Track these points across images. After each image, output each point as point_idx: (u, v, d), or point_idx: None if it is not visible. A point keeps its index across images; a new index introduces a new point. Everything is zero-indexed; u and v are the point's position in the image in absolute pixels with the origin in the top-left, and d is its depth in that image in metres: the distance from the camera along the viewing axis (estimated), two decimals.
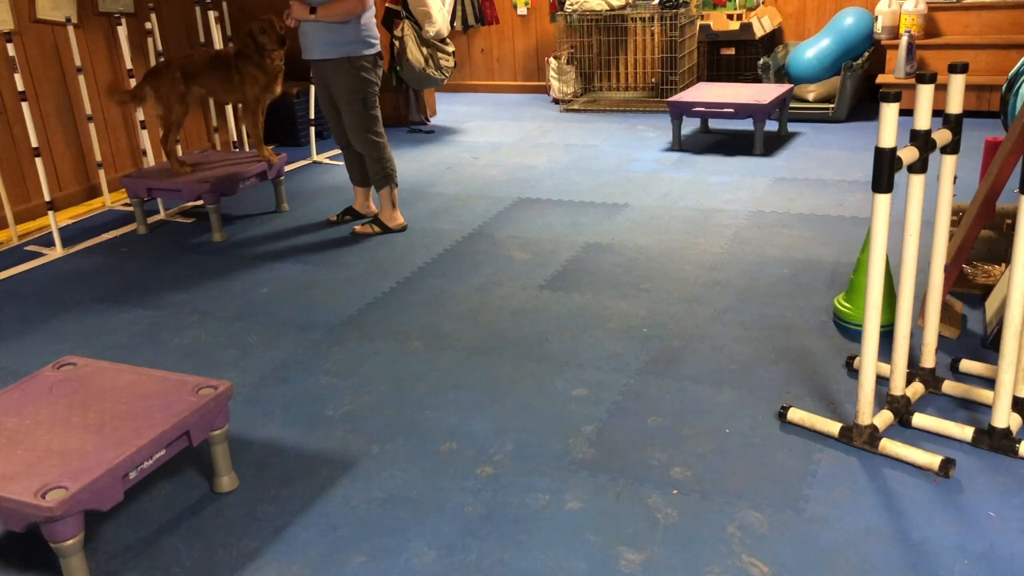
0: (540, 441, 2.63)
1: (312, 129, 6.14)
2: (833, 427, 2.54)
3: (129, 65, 5.01)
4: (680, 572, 2.07)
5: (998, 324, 2.91)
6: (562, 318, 3.44)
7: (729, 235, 4.22)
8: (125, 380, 2.45)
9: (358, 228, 4.56)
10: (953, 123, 2.46)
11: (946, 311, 3.11)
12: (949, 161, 2.52)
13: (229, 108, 5.64)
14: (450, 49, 6.55)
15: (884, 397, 2.62)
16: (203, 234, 4.70)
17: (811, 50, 6.48)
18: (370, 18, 4.20)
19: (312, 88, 5.96)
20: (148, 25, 5.41)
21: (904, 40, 6.23)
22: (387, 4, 6.36)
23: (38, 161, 4.42)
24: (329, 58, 4.19)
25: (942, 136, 2.43)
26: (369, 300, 3.71)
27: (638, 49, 7.35)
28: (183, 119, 4.69)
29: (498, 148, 6.17)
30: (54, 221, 4.52)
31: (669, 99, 5.93)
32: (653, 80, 7.32)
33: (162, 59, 5.02)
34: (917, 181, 2.36)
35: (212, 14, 5.50)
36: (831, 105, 6.33)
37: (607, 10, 7.11)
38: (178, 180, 4.60)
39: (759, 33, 6.78)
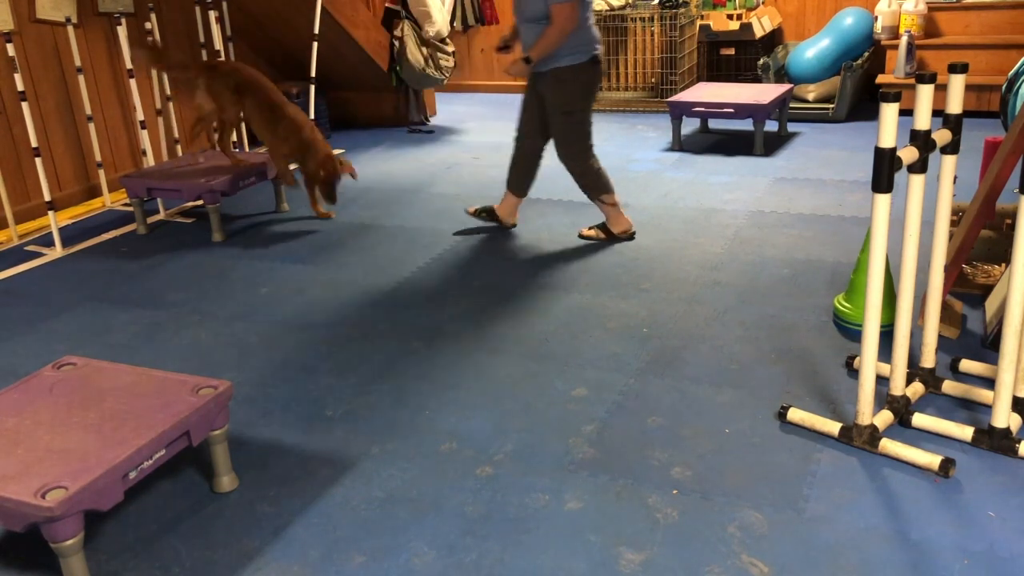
0: (540, 441, 2.63)
1: None
2: (833, 427, 2.54)
3: (129, 65, 5.01)
4: (680, 572, 2.07)
5: (998, 324, 2.91)
6: (562, 318, 3.44)
7: (729, 235, 4.22)
8: (125, 380, 2.45)
9: (585, 232, 4.33)
10: (953, 123, 2.46)
11: (946, 311, 3.11)
12: (949, 161, 2.52)
13: None
14: (450, 49, 6.55)
15: (884, 397, 2.62)
16: (203, 234, 4.70)
17: (811, 50, 6.48)
18: (581, 25, 3.88)
19: (312, 88, 5.97)
20: (148, 25, 5.40)
21: (904, 40, 6.23)
22: (387, 4, 6.37)
23: (38, 161, 4.42)
24: (540, 71, 4.00)
25: (942, 136, 2.43)
26: (369, 300, 3.71)
27: (638, 49, 7.35)
28: (237, 121, 4.72)
29: (498, 148, 6.16)
30: (54, 221, 4.52)
31: (669, 99, 5.93)
32: (653, 80, 7.31)
33: (224, 58, 4.94)
34: (917, 181, 2.36)
35: (212, 14, 5.50)
36: (831, 105, 6.33)
37: (607, 10, 7.11)
38: (178, 180, 4.60)
39: (759, 33, 6.78)
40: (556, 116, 4.09)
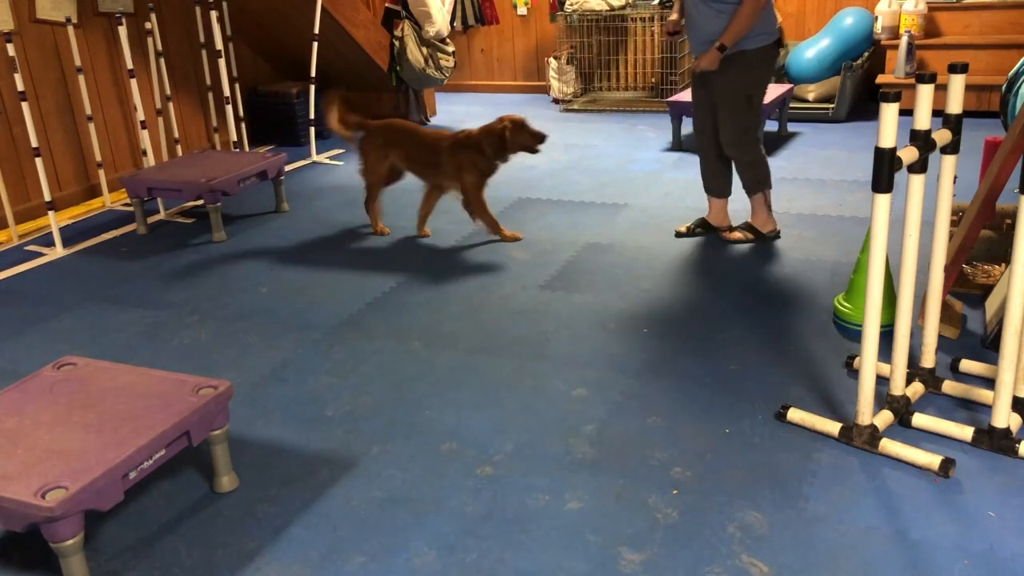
0: (540, 441, 2.62)
1: (312, 129, 6.14)
2: (833, 427, 2.54)
3: (130, 65, 5.01)
4: (680, 572, 2.07)
5: (998, 324, 2.91)
6: (562, 318, 3.44)
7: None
8: (125, 380, 2.45)
9: (728, 235, 4.10)
10: (953, 123, 2.46)
11: (946, 311, 3.11)
12: (949, 161, 2.52)
13: (228, 108, 5.64)
14: (450, 49, 6.55)
15: (884, 397, 2.62)
16: (203, 234, 4.70)
17: (811, 50, 6.48)
18: (768, 3, 3.69)
19: (312, 88, 5.96)
20: (148, 25, 5.41)
21: (904, 40, 6.23)
22: (387, 4, 6.36)
23: (38, 161, 4.42)
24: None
25: (942, 136, 2.43)
26: (369, 300, 3.71)
27: (638, 49, 7.35)
28: (383, 184, 4.48)
29: None
30: (54, 221, 4.52)
31: (669, 99, 5.94)
32: (653, 80, 7.32)
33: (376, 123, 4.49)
34: (917, 181, 2.36)
35: (213, 14, 5.50)
36: (831, 105, 6.33)
37: (607, 10, 7.11)
38: (178, 180, 4.60)
39: None
40: (737, 101, 3.80)
